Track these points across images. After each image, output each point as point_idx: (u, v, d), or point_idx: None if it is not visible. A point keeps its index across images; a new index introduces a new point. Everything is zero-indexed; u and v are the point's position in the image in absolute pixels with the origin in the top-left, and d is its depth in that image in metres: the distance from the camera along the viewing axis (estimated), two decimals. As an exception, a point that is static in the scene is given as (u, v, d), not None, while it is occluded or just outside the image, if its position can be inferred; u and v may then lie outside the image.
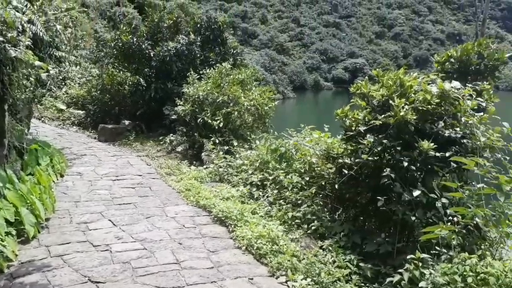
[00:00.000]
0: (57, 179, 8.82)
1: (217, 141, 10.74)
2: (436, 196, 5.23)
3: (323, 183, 7.07)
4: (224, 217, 6.71)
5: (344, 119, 6.15)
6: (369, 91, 5.94)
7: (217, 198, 7.60)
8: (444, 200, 5.19)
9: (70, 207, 7.27)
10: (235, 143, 10.57)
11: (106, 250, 5.60)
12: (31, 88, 8.49)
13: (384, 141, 5.55)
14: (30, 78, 8.06)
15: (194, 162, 10.88)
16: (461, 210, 4.21)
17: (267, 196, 7.60)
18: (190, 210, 7.35)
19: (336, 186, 6.31)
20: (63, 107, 17.54)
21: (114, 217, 6.82)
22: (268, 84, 56.79)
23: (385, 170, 5.42)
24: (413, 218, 5.35)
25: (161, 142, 12.51)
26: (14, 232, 5.62)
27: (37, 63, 6.85)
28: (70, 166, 10.08)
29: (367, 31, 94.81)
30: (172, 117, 12.68)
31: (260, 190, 7.96)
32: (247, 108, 11.40)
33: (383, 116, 5.63)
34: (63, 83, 19.13)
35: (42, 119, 16.73)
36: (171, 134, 12.44)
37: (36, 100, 8.85)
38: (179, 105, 12.02)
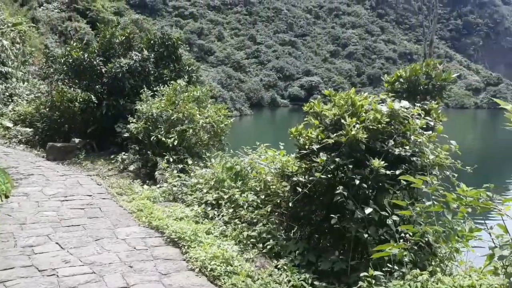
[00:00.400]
0: (1, 201, 8.37)
1: (171, 160, 10.54)
2: (387, 214, 5.32)
3: (278, 201, 7.05)
4: (177, 238, 6.54)
5: (298, 137, 6.19)
6: (322, 110, 6.02)
7: (171, 219, 7.41)
8: (395, 217, 5.29)
9: (15, 229, 6.88)
10: (190, 162, 10.41)
11: (52, 275, 5.31)
12: (-27, 105, 8.06)
13: (337, 159, 5.62)
14: (-28, 95, 7.66)
15: (147, 181, 10.62)
16: (410, 228, 4.29)
17: (222, 216, 7.48)
18: (142, 232, 7.12)
19: (290, 204, 6.30)
20: (10, 124, 16.77)
21: (61, 240, 6.50)
22: (225, 101, 57.04)
23: (338, 188, 5.46)
24: (366, 235, 5.41)
25: (113, 161, 12.14)
26: (-52, 260, 5.25)
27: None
28: (16, 186, 9.60)
29: (322, 50, 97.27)
30: (125, 135, 12.34)
31: (215, 209, 7.84)
32: (202, 126, 11.31)
33: (335, 134, 5.71)
34: (10, 100, 18.35)
35: (-13, 137, 15.93)
36: (123, 153, 12.10)
37: (-21, 117, 8.39)
38: (132, 122, 11.76)
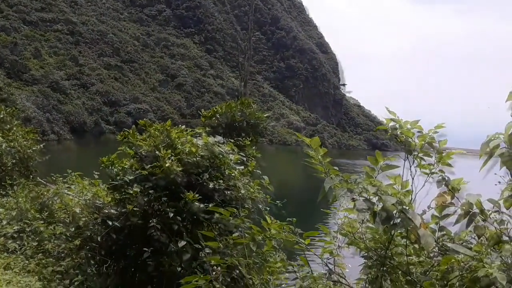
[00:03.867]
0: None
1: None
2: (201, 246, 5.40)
3: (89, 234, 6.60)
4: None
5: (110, 167, 5.94)
6: (137, 140, 5.92)
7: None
8: (207, 250, 5.39)
9: None
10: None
11: None
12: None
13: (151, 191, 5.55)
14: None
15: None
16: (216, 259, 4.41)
17: (25, 249, 6.72)
18: None
19: (99, 239, 5.96)
20: None
21: None
22: (41, 123, 52.00)
23: (151, 221, 5.38)
24: (179, 268, 5.40)
25: None
26: None
27: None
28: None
29: (150, 78, 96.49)
30: None
31: (17, 242, 7.00)
32: (4, 150, 10.06)
33: (149, 166, 5.65)
34: None
35: None
36: None
37: None
38: None
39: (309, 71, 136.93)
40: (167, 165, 5.43)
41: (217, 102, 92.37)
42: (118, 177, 5.73)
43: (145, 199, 5.53)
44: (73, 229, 6.84)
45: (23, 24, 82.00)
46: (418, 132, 3.51)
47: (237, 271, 5.54)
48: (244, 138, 7.48)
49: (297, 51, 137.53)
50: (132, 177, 5.64)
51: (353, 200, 3.28)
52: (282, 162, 60.53)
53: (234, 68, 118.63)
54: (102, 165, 5.93)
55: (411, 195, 3.50)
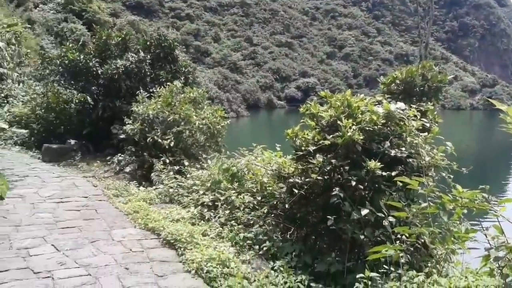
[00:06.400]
0: (-4, 202, 8.32)
1: (167, 161, 10.52)
2: (383, 215, 5.32)
3: (274, 203, 7.05)
4: (174, 240, 6.51)
5: (294, 139, 6.19)
6: (318, 111, 6.02)
7: (167, 220, 7.39)
8: (391, 219, 5.28)
9: (10, 231, 6.84)
10: (186, 163, 10.38)
11: (47, 277, 5.27)
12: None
13: (333, 160, 5.62)
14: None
15: (143, 182, 10.59)
16: (406, 229, 4.29)
17: (219, 217, 7.47)
18: (138, 233, 7.09)
19: (287, 206, 6.30)
20: (5, 126, 16.63)
21: (57, 242, 6.47)
22: (222, 102, 57.00)
23: (334, 189, 5.47)
24: (362, 237, 5.41)
25: (109, 162, 12.10)
26: None
27: (-27, 80, 6.48)
28: (12, 188, 9.54)
29: (318, 51, 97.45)
30: (121, 137, 12.32)
31: (212, 211, 7.83)
32: (198, 127, 11.29)
33: (331, 136, 5.71)
34: (5, 101, 18.26)
35: (-18, 138, 15.86)
36: (119, 154, 12.06)
37: (-26, 119, 8.36)
38: (128, 124, 11.73)
39: (485, 27, 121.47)
40: (348, 134, 5.43)
41: (385, 69, 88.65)
42: (302, 148, 5.95)
43: (328, 168, 5.63)
44: (260, 198, 7.39)
45: (204, 11, 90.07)
46: None
47: (422, 241, 5.32)
48: (425, 103, 7.02)
49: (472, 7, 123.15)
50: (315, 148, 5.79)
51: None
52: (458, 127, 55.54)
53: (402, 32, 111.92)
54: (287, 137, 6.21)
55: None
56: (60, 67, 14.08)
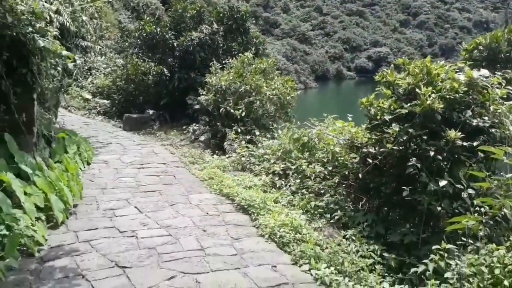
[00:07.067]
0: (84, 167, 8.99)
1: (239, 131, 10.78)
2: (462, 187, 5.16)
3: (346, 173, 7.04)
4: (247, 205, 6.75)
5: (368, 108, 6.09)
6: (395, 79, 5.86)
7: (240, 187, 7.64)
8: (470, 190, 5.11)
9: (97, 194, 7.42)
10: (257, 133, 10.58)
11: (132, 236, 5.70)
12: (58, 78, 8.63)
13: (410, 130, 5.48)
14: (58, 68, 8.19)
15: (217, 151, 10.96)
16: (489, 200, 4.13)
17: (290, 186, 7.60)
18: (213, 198, 7.42)
19: (360, 176, 6.27)
20: (89, 96, 17.82)
21: (139, 204, 6.94)
22: (290, 74, 56.57)
23: (410, 159, 5.36)
24: (439, 208, 5.29)
25: (185, 132, 12.65)
26: (43, 218, 5.78)
27: (64, 52, 6.98)
28: (97, 154, 10.27)
29: (391, 20, 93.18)
30: (195, 107, 12.76)
31: (283, 179, 7.97)
32: (269, 98, 11.40)
33: (409, 104, 5.56)
34: (89, 73, 19.44)
35: (69, 108, 17.04)
36: (194, 124, 12.55)
37: (63, 89, 9.00)
38: (202, 94, 12.10)
39: None
40: (428, 102, 5.25)
41: (462, 37, 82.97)
42: (377, 117, 5.85)
43: (404, 138, 5.51)
44: (331, 168, 7.40)
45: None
46: None
47: (503, 213, 5.10)
48: (511, 70, 6.57)
49: None
50: (391, 117, 5.67)
51: None
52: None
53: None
54: (361, 106, 6.13)
55: None
56: (138, 40, 14.72)
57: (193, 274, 4.70)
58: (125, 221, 6.22)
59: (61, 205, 6.11)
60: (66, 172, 7.18)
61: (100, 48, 13.71)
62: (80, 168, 8.60)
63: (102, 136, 12.50)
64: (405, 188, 5.38)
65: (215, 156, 10.32)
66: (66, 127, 10.52)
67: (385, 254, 5.34)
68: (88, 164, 9.37)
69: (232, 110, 11.21)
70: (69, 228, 5.86)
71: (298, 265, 5.07)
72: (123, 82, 15.80)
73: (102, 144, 11.38)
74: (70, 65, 8.24)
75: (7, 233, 4.87)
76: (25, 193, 5.59)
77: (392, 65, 6.11)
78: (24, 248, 5.03)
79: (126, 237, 5.66)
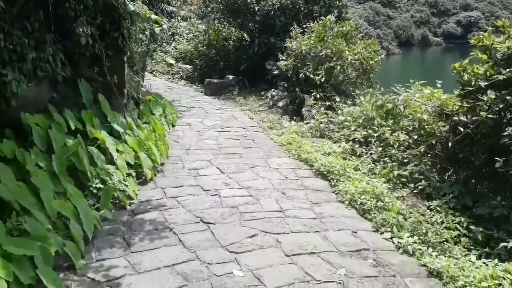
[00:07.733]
0: (169, 129, 9.41)
1: (318, 97, 10.65)
2: None
3: (433, 142, 6.76)
4: (326, 171, 6.72)
5: (461, 73, 5.73)
6: (493, 43, 5.43)
7: (318, 153, 7.61)
8: None
9: (182, 154, 7.77)
10: (337, 99, 10.37)
11: (215, 195, 5.93)
12: (146, 42, 9.00)
13: (508, 97, 5.09)
14: (146, 32, 8.53)
15: (295, 117, 10.95)
16: None
17: (371, 154, 7.46)
18: (292, 163, 7.47)
19: (450, 145, 5.97)
20: (173, 61, 18.42)
21: (221, 165, 7.17)
22: (372, 39, 54.31)
23: (506, 129, 5.01)
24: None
25: (263, 97, 12.73)
26: (134, 174, 6.19)
27: (153, 16, 7.21)
28: (180, 117, 10.68)
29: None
30: (274, 72, 12.74)
31: (363, 147, 7.83)
32: (350, 63, 11.08)
33: (507, 70, 5.14)
34: (172, 39, 20.01)
35: (154, 73, 17.73)
36: (273, 89, 12.57)
37: (149, 54, 9.38)
38: (281, 60, 12.04)
39: None
40: (531, 68, 4.84)
41: None
42: (471, 83, 5.49)
43: (500, 106, 5.15)
44: (417, 136, 7.12)
45: None
46: None
47: None
48: None
49: None
50: (486, 83, 5.30)
51: None
52: None
53: None
54: (454, 71, 5.78)
55: None
56: (220, 5, 14.81)
57: (273, 234, 4.82)
58: (209, 180, 6.47)
59: (149, 163, 6.49)
60: (153, 133, 7.58)
61: (184, 13, 14.04)
62: (166, 130, 9.01)
63: (185, 100, 12.94)
64: (498, 159, 5.06)
65: (293, 122, 10.33)
66: (152, 91, 11.00)
67: (472, 227, 5.12)
68: (173, 126, 9.78)
69: (311, 76, 11.06)
70: (157, 185, 6.22)
71: (379, 232, 5.02)
72: (205, 47, 16.10)
73: (185, 107, 11.79)
74: (157, 30, 8.53)
75: (102, 186, 5.28)
76: (117, 151, 5.98)
77: (490, 28, 5.65)
78: (117, 201, 5.42)
79: (210, 196, 5.91)
